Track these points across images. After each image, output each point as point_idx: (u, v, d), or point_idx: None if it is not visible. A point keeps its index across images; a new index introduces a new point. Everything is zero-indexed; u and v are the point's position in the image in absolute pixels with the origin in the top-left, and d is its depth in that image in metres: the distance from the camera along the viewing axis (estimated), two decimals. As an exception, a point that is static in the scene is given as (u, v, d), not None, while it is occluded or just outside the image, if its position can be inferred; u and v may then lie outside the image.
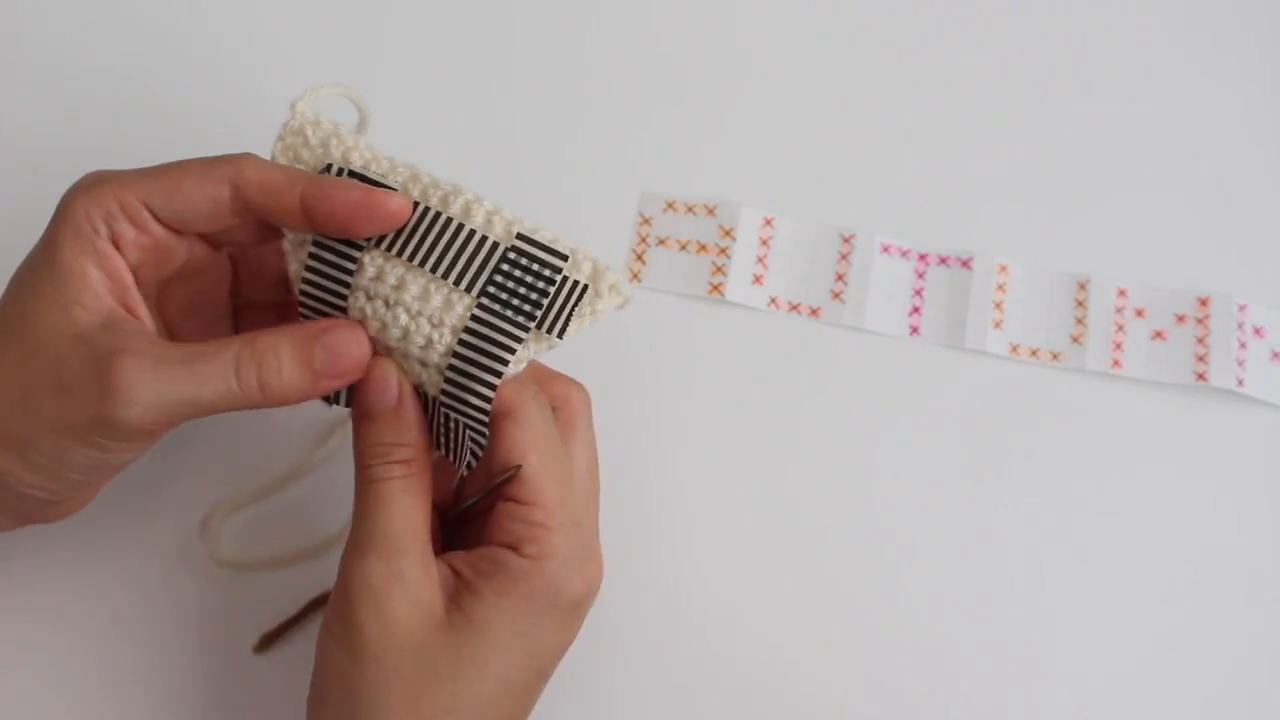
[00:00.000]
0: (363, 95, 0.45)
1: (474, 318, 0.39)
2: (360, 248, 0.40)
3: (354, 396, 0.41)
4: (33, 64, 0.58)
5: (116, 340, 0.38)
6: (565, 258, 0.39)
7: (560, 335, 0.39)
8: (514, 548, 0.40)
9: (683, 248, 0.55)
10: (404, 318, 0.39)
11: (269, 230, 0.41)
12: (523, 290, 0.39)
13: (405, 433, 0.40)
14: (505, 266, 0.39)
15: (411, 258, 0.39)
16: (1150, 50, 0.59)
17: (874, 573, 0.49)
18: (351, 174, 0.40)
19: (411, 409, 0.41)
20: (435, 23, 0.60)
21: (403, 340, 0.39)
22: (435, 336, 0.39)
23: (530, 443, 0.40)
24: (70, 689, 0.46)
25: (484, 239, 0.39)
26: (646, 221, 0.55)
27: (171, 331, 0.43)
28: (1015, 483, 0.50)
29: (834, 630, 0.48)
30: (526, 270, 0.39)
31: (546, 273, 0.39)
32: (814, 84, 0.58)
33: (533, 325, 0.39)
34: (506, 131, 0.57)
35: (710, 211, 0.55)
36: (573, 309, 0.39)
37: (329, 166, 0.40)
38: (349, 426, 0.49)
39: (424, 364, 0.40)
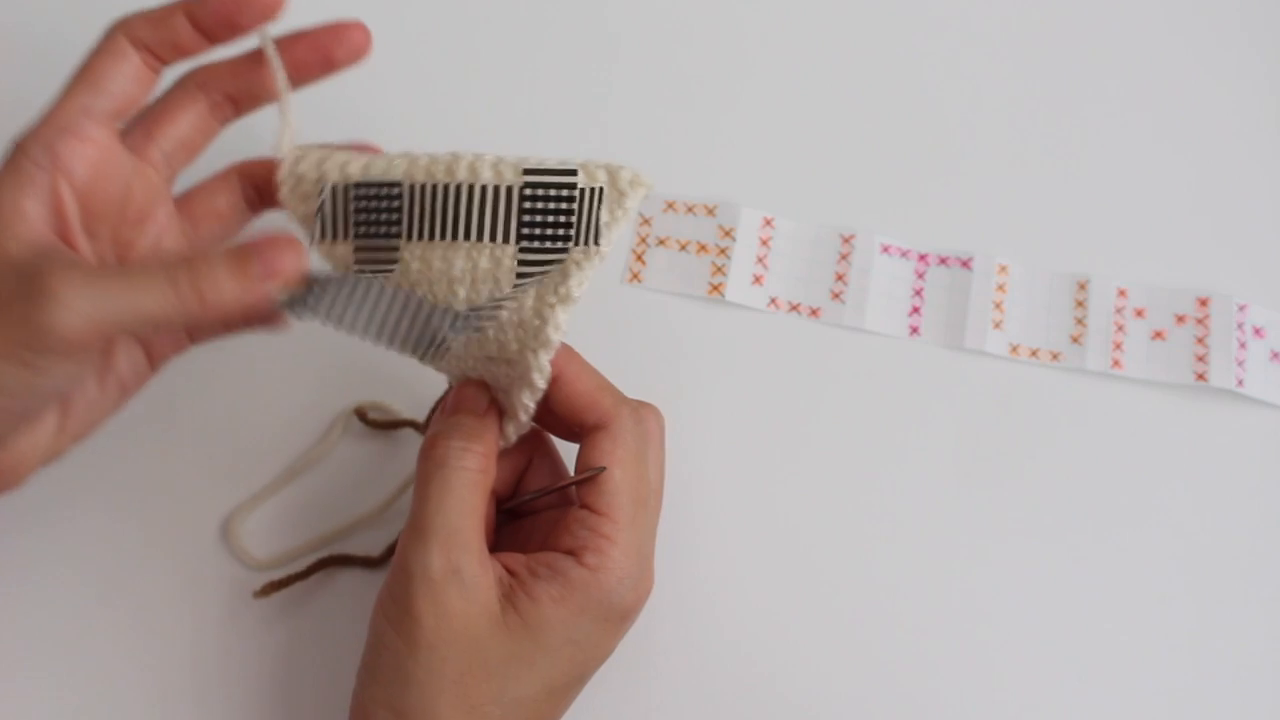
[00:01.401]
0: (291, 104, 0.43)
1: (520, 262, 0.40)
2: (396, 247, 0.41)
3: (448, 402, 0.43)
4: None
5: (49, 259, 0.37)
6: (574, 172, 0.41)
7: (598, 243, 0.40)
8: (575, 554, 0.40)
9: (683, 248, 0.55)
10: (462, 291, 0.40)
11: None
12: (550, 218, 0.40)
13: (486, 435, 0.42)
14: (527, 205, 0.41)
15: (444, 235, 0.40)
16: (1150, 50, 0.59)
17: (872, 572, 0.49)
18: (358, 185, 0.41)
19: (495, 422, 0.42)
20: (435, 23, 0.60)
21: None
22: (495, 292, 0.41)
23: (619, 458, 0.42)
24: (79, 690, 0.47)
25: (497, 189, 0.40)
26: (646, 221, 0.55)
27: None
28: (1015, 483, 0.50)
29: (829, 627, 0.48)
30: (546, 199, 0.41)
31: (564, 193, 0.41)
32: (814, 84, 0.58)
33: (571, 245, 0.40)
34: (506, 132, 0.57)
35: (710, 211, 0.55)
36: (598, 213, 0.41)
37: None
38: (350, 419, 0.50)
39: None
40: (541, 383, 0.41)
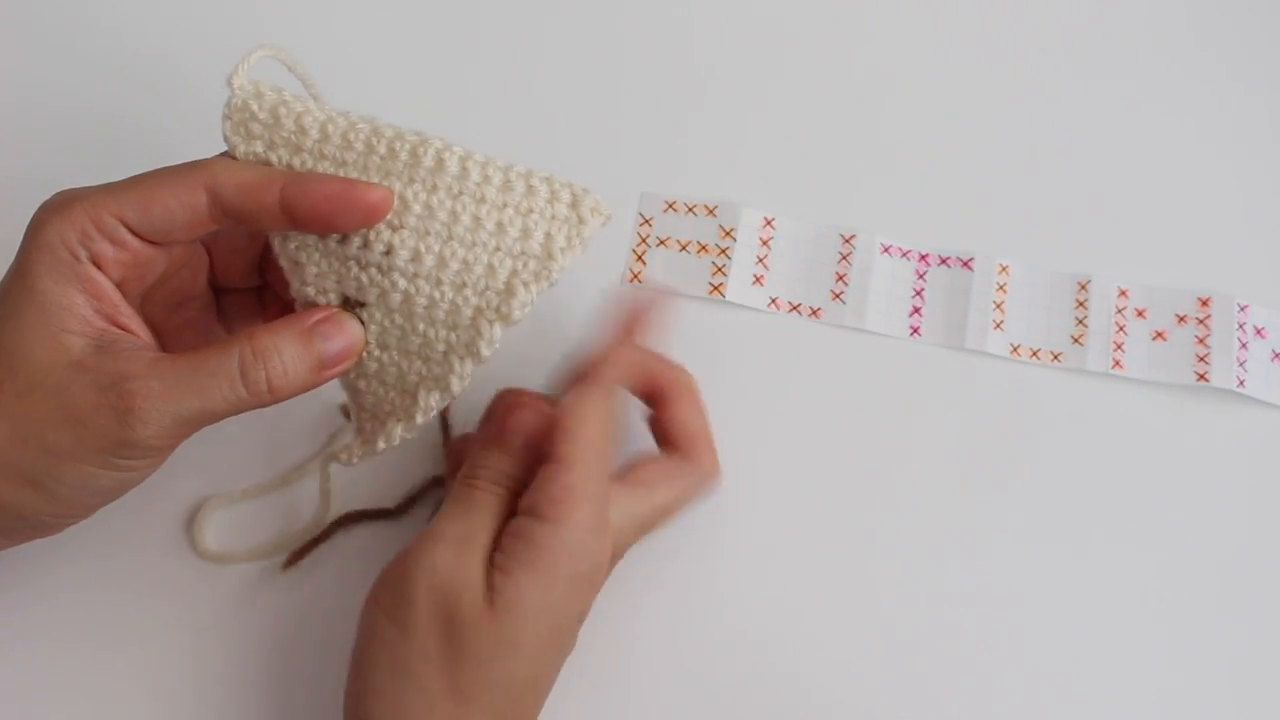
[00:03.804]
0: (295, 56, 0.43)
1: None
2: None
3: (500, 420, 0.44)
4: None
5: (118, 364, 0.38)
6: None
7: (549, 266, 0.40)
8: (535, 509, 0.41)
9: (683, 248, 0.55)
10: (411, 240, 0.40)
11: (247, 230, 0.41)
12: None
13: (519, 467, 0.43)
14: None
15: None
16: (1150, 50, 0.59)
17: (872, 572, 0.49)
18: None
19: (533, 449, 0.43)
20: (435, 23, 0.60)
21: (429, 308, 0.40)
22: (446, 254, 0.40)
23: (594, 414, 0.42)
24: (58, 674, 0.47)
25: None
26: (647, 222, 0.55)
27: (157, 329, 0.43)
28: (1016, 483, 0.50)
29: (828, 627, 0.48)
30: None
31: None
32: (815, 84, 0.58)
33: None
34: (506, 132, 0.57)
35: (710, 211, 0.55)
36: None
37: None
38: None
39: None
40: (458, 389, 0.40)
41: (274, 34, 0.59)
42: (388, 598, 0.41)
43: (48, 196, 0.40)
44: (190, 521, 0.49)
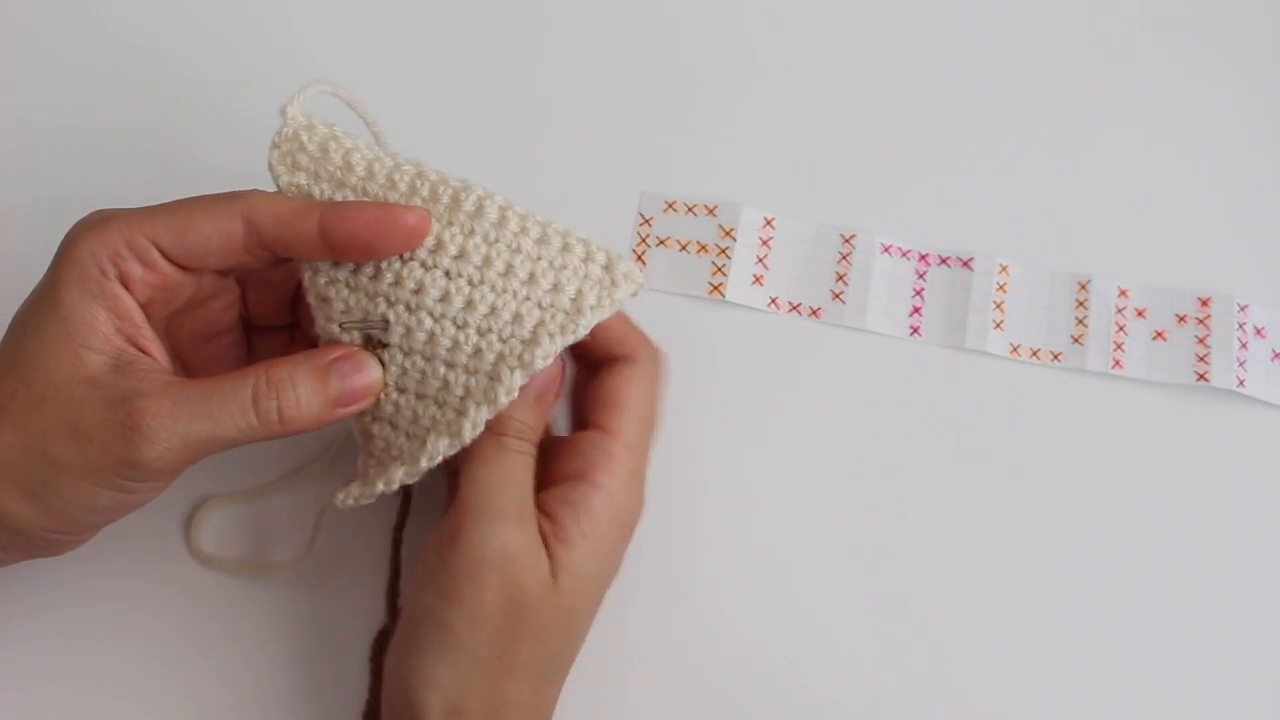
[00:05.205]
0: (355, 93, 0.44)
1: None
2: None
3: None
4: (32, 105, 0.57)
5: (131, 383, 0.38)
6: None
7: (578, 320, 0.40)
8: (584, 474, 0.41)
9: (683, 248, 0.55)
10: (435, 292, 0.40)
11: (280, 261, 0.41)
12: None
13: (542, 420, 0.43)
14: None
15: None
16: (1150, 50, 0.59)
17: (872, 572, 0.49)
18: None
19: (544, 400, 0.43)
20: (435, 23, 0.60)
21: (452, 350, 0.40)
22: (468, 309, 0.40)
23: (637, 387, 0.43)
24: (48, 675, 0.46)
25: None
26: (646, 221, 0.55)
27: (185, 360, 0.43)
28: (1016, 483, 0.50)
29: (832, 628, 0.48)
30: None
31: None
32: (814, 84, 0.58)
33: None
34: (506, 132, 0.57)
35: (710, 211, 0.55)
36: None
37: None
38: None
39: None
40: (470, 437, 0.40)
41: (291, 44, 0.59)
42: (448, 584, 0.39)
43: (84, 214, 0.40)
44: (189, 520, 0.49)
